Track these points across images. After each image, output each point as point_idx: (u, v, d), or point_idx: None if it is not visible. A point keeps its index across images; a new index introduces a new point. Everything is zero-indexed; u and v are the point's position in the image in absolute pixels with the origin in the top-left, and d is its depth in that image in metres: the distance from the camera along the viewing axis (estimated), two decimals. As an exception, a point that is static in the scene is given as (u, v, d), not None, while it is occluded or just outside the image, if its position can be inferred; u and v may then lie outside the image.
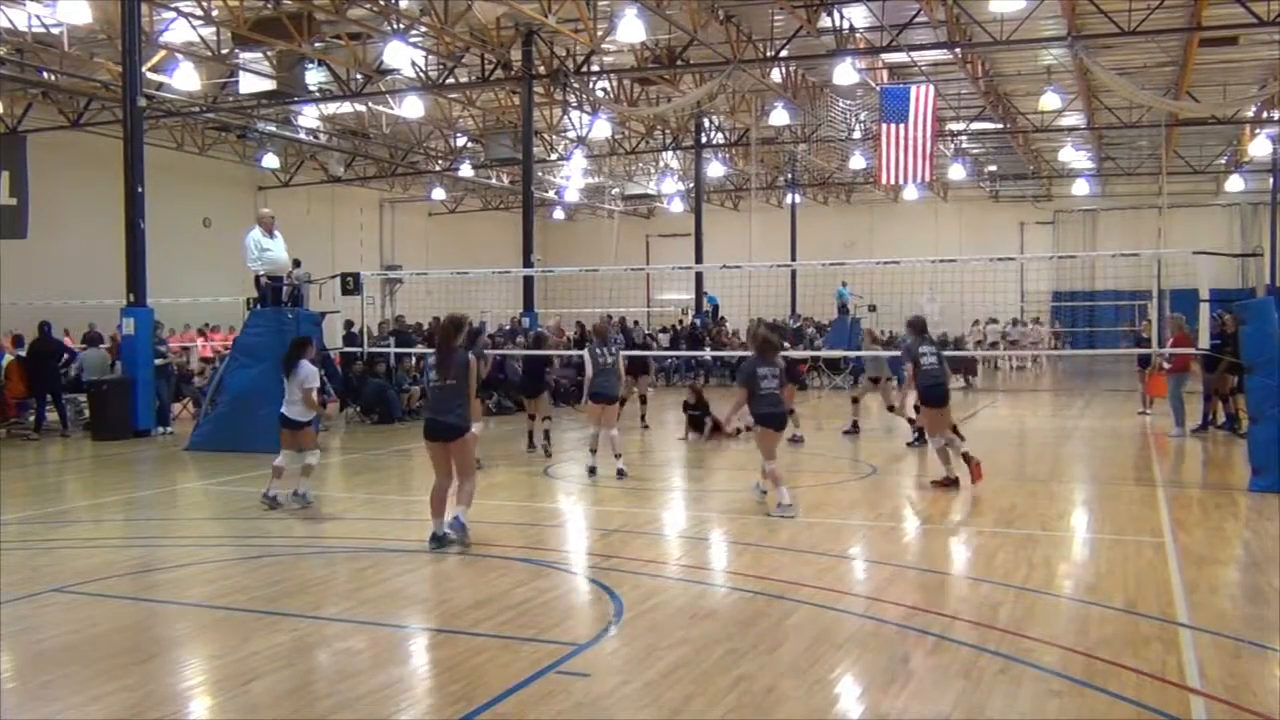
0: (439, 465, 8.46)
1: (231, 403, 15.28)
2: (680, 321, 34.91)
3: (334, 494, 11.63)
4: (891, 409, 16.30)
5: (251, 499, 10.60)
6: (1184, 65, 24.31)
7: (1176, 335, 15.63)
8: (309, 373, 10.28)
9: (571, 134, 33.82)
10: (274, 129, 30.43)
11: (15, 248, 23.71)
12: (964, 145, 35.71)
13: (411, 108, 27.18)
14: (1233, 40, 22.98)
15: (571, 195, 41.73)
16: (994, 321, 34.19)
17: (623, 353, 13.33)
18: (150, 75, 21.67)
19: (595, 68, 25.14)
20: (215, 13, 19.88)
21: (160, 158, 26.48)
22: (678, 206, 42.76)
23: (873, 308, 30.26)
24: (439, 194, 40.57)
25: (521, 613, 6.56)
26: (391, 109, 28.38)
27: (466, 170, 36.51)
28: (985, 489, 11.17)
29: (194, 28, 20.87)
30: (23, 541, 8.94)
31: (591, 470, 12.12)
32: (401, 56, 21.71)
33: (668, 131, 34.06)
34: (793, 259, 38.13)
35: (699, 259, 34.14)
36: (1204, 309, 13.93)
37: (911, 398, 12.57)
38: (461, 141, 34.74)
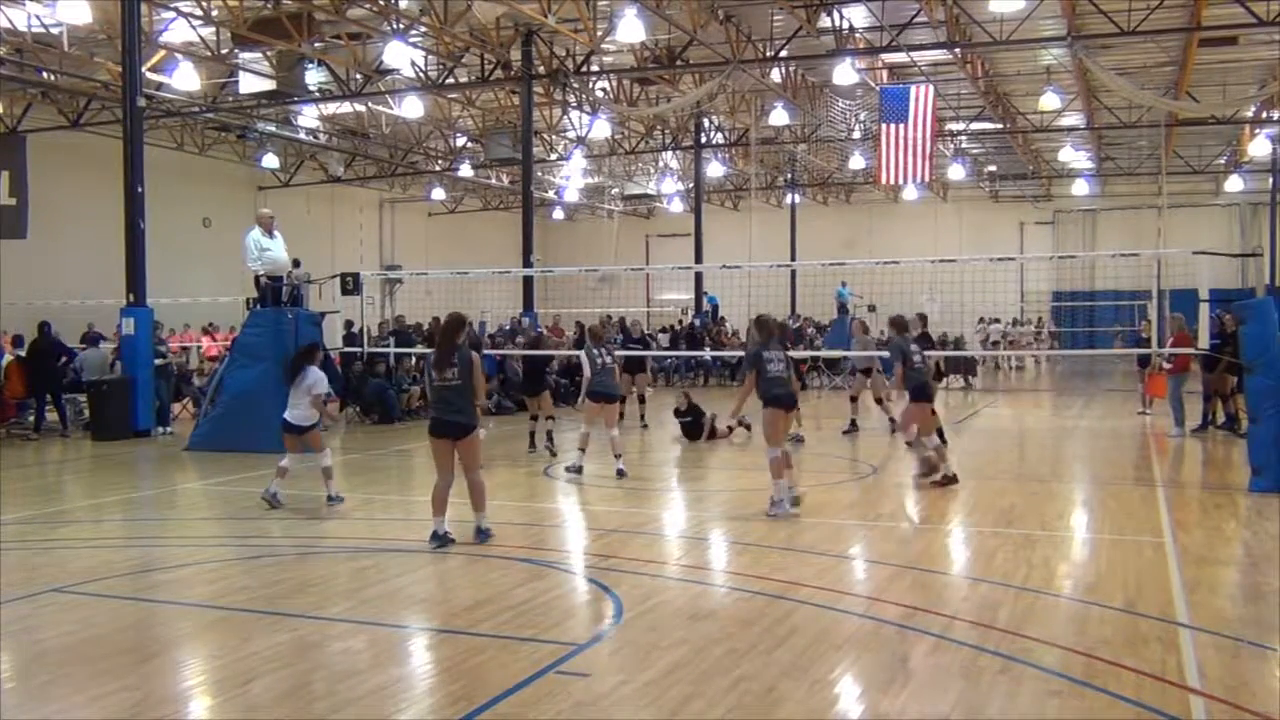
0: (443, 464, 8.48)
1: (231, 403, 15.28)
2: (680, 321, 34.92)
3: (334, 494, 11.62)
4: (879, 401, 16.33)
5: (251, 499, 10.60)
6: (1184, 65, 24.32)
7: (1176, 335, 15.63)
8: (317, 378, 10.28)
9: (571, 134, 33.83)
10: (274, 129, 30.43)
11: (15, 248, 23.73)
12: (964, 145, 35.71)
13: (411, 108, 27.19)
14: (1232, 40, 22.98)
15: (571, 195, 41.73)
16: (996, 321, 34.23)
17: (619, 353, 13.35)
18: (150, 75, 21.66)
19: (595, 68, 25.14)
20: (215, 13, 19.89)
21: (160, 158, 26.50)
22: (677, 206, 42.76)
23: (872, 308, 30.26)
24: (439, 194, 40.58)
25: (521, 613, 6.56)
26: (391, 109, 28.38)
27: (466, 170, 36.52)
28: (985, 489, 11.18)
29: (194, 28, 20.87)
30: (22, 541, 8.94)
31: (578, 469, 12.06)
32: (401, 56, 21.72)
33: (667, 131, 34.07)
34: (792, 259, 38.13)
35: (699, 259, 34.15)
36: (1204, 309, 13.93)
37: (902, 398, 12.54)
38: (461, 141, 34.74)
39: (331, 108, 28.75)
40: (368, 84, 24.87)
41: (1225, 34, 21.87)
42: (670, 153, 36.82)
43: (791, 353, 10.55)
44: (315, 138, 32.35)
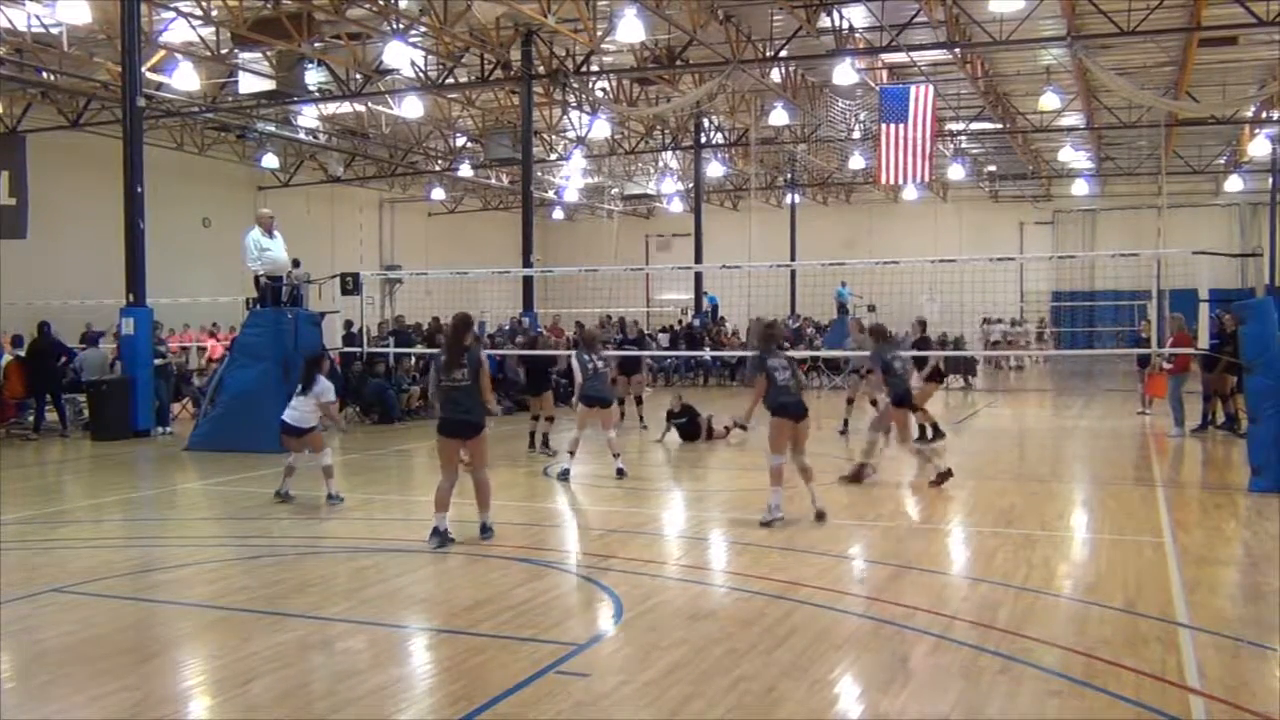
0: (448, 463, 8.59)
1: (230, 403, 15.27)
2: (680, 321, 34.92)
3: (334, 494, 11.62)
4: (874, 403, 16.36)
5: (252, 499, 10.61)
6: (1183, 65, 24.32)
7: (1176, 335, 15.63)
8: (325, 387, 10.46)
9: (571, 134, 33.82)
10: (274, 129, 30.44)
11: (15, 248, 23.72)
12: (963, 145, 35.71)
13: (411, 108, 27.19)
14: (1232, 40, 22.98)
15: (571, 195, 41.73)
16: (1000, 321, 34.25)
17: (615, 353, 13.30)
18: (150, 75, 21.66)
19: (595, 68, 25.14)
20: (215, 13, 19.89)
21: (160, 158, 26.50)
22: (677, 206, 42.77)
23: (872, 308, 30.22)
24: (439, 194, 40.58)
25: (521, 613, 6.56)
26: (391, 109, 28.38)
27: (466, 170, 36.52)
28: (985, 489, 11.18)
29: (193, 28, 20.86)
30: (22, 541, 8.94)
31: (564, 474, 11.89)
32: (401, 56, 21.71)
33: (667, 131, 34.07)
34: (792, 259, 38.14)
35: (699, 259, 34.15)
36: (1203, 309, 13.93)
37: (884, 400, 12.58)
38: (461, 141, 34.74)
39: (331, 108, 28.75)
40: (367, 84, 24.87)
41: (1225, 34, 21.86)
42: (670, 153, 36.81)
43: (791, 353, 10.55)
44: (315, 138, 32.35)
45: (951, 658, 5.66)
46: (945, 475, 11.07)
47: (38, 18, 20.19)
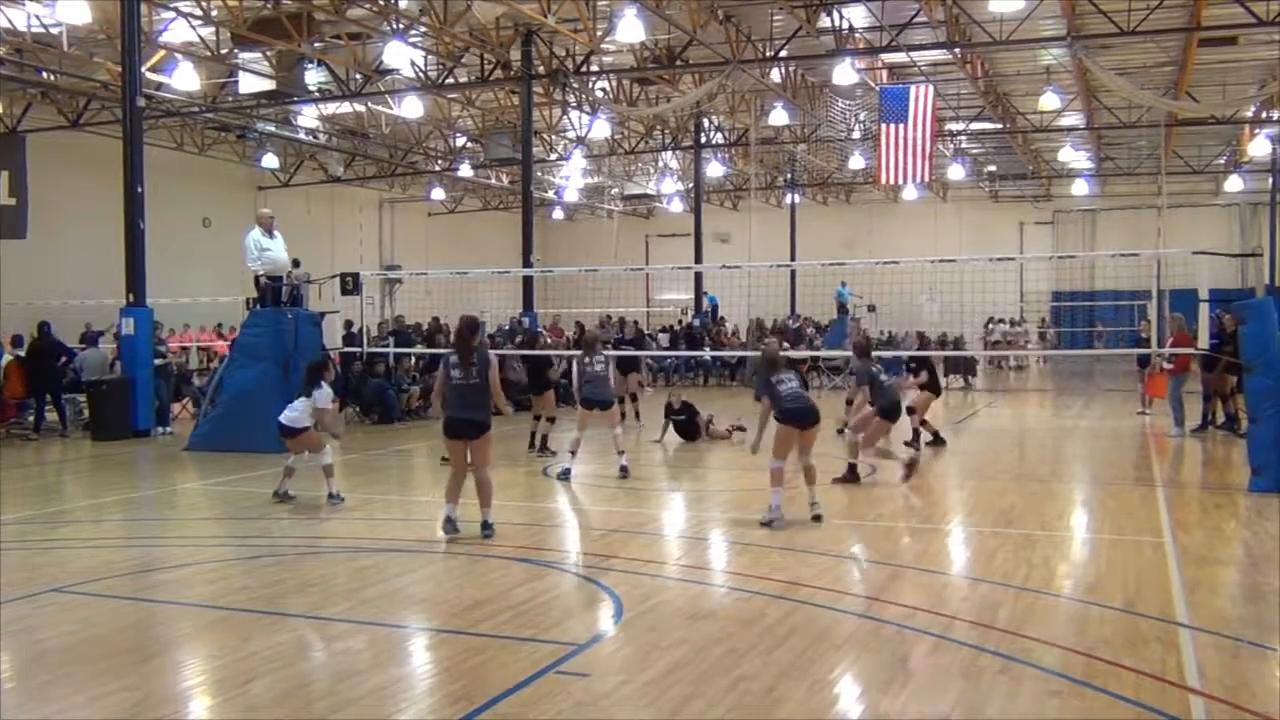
0: (458, 460, 8.83)
1: (230, 403, 15.27)
2: (680, 321, 34.91)
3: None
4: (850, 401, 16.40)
5: (251, 499, 10.61)
6: (1183, 65, 24.32)
7: (1176, 335, 15.63)
8: (324, 394, 10.52)
9: (571, 134, 33.81)
10: (273, 129, 30.42)
11: (15, 248, 23.71)
12: (963, 145, 35.70)
13: (411, 108, 27.18)
14: (1232, 40, 22.98)
15: (571, 195, 41.72)
16: (1002, 321, 34.25)
17: (613, 353, 13.29)
18: (150, 75, 21.65)
19: (595, 68, 25.13)
20: (215, 13, 19.88)
21: (160, 158, 26.49)
22: (677, 206, 42.76)
23: (872, 308, 30.29)
24: (439, 194, 40.56)
25: (521, 613, 6.56)
26: (391, 109, 28.37)
27: (466, 170, 36.50)
28: (985, 489, 11.18)
29: (193, 28, 20.85)
30: (22, 541, 8.94)
31: (565, 474, 11.91)
32: (401, 56, 21.70)
33: (667, 131, 34.06)
34: (792, 259, 38.13)
35: (698, 259, 34.15)
36: (1203, 309, 13.94)
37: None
38: (461, 141, 34.73)
39: (331, 108, 28.74)
40: (367, 84, 24.86)
41: (1225, 34, 21.86)
42: (670, 153, 36.80)
43: (791, 353, 10.58)
44: (315, 138, 32.33)
45: (951, 658, 5.66)
46: (912, 464, 11.18)
47: (38, 18, 20.18)
